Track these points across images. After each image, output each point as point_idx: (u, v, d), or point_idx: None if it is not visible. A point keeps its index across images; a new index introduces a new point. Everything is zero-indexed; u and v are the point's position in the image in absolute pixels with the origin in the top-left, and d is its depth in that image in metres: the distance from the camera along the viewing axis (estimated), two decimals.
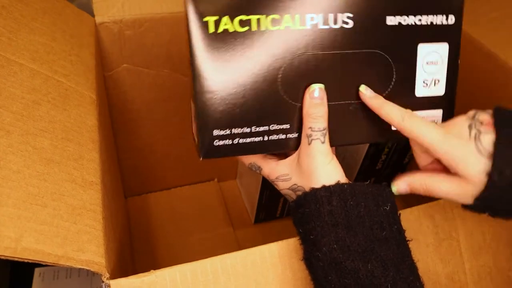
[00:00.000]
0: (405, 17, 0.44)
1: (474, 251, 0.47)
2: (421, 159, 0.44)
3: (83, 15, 0.61)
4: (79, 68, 0.51)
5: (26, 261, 0.34)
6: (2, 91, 0.41)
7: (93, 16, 0.62)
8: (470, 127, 0.39)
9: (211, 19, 0.39)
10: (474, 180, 0.38)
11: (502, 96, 0.59)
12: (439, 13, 0.45)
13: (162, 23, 0.65)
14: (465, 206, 0.41)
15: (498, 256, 0.48)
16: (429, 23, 0.45)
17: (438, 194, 0.41)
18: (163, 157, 0.82)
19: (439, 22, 0.45)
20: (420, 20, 0.44)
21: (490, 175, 0.37)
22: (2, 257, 0.32)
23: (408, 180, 0.42)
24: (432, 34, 0.45)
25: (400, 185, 0.43)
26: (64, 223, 0.37)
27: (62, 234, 0.36)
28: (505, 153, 0.37)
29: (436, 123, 0.41)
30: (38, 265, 0.66)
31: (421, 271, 0.43)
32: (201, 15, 0.38)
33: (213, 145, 0.41)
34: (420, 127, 0.40)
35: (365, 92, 0.43)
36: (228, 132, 0.41)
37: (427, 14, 0.44)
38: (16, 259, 0.33)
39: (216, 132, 0.41)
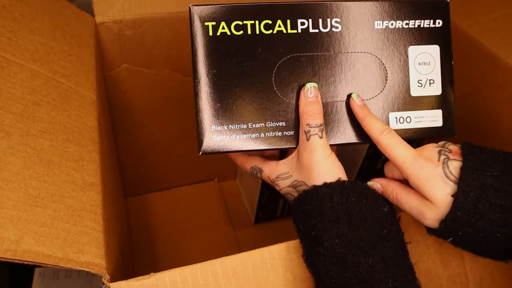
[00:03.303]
0: (392, 21, 0.46)
1: None
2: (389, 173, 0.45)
3: (83, 15, 0.60)
4: (79, 69, 0.51)
5: (26, 263, 0.34)
6: (2, 92, 0.41)
7: (93, 16, 0.62)
8: (439, 152, 0.41)
9: (210, 24, 0.43)
10: (439, 202, 0.39)
11: (502, 96, 0.59)
12: (426, 18, 0.47)
13: (162, 23, 0.65)
14: (430, 230, 0.42)
15: None
16: (416, 26, 0.47)
17: (404, 207, 0.42)
18: (163, 157, 0.81)
19: (426, 25, 0.47)
20: (407, 24, 0.46)
21: (456, 197, 0.38)
22: (2, 260, 0.32)
23: (383, 183, 0.44)
24: (421, 36, 0.47)
25: (376, 183, 0.44)
26: (64, 224, 0.37)
27: (62, 235, 0.36)
28: (470, 178, 0.38)
29: (411, 147, 0.42)
30: (38, 265, 0.66)
31: (422, 273, 0.43)
32: (202, 20, 0.43)
33: (212, 140, 0.44)
34: (394, 145, 0.42)
35: (356, 100, 0.45)
36: (225, 127, 0.44)
37: (414, 19, 0.47)
38: (16, 261, 0.33)
39: (214, 128, 0.44)
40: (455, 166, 0.40)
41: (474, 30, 0.62)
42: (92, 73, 0.53)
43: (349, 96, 0.45)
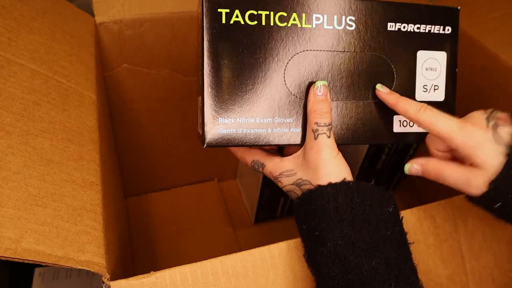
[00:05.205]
0: (405, 24, 0.46)
1: (475, 252, 0.47)
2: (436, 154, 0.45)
3: (83, 15, 0.60)
4: (79, 68, 0.51)
5: (26, 262, 0.34)
6: (2, 91, 0.41)
7: (93, 16, 0.62)
8: (487, 119, 0.41)
9: (224, 11, 0.41)
10: (490, 166, 0.39)
11: (502, 96, 0.59)
12: (437, 24, 0.47)
13: (162, 23, 0.65)
14: (474, 199, 0.41)
15: (499, 257, 0.48)
16: (427, 31, 0.47)
17: (447, 180, 0.42)
18: (163, 157, 0.81)
19: (436, 31, 0.47)
20: (418, 28, 0.46)
21: (509, 156, 0.38)
22: (2, 258, 0.32)
23: (422, 162, 0.44)
24: (431, 42, 0.47)
25: (414, 164, 0.44)
26: (64, 223, 0.37)
27: (62, 234, 0.36)
28: None
29: (453, 117, 0.42)
30: (38, 265, 0.66)
31: (422, 272, 0.43)
32: (215, 6, 0.41)
33: (218, 132, 0.42)
34: (436, 118, 0.42)
35: (381, 89, 0.45)
36: (232, 120, 0.42)
37: (425, 24, 0.47)
38: (16, 260, 0.33)
39: (221, 120, 0.42)
40: (506, 131, 0.40)
41: (474, 30, 0.62)
42: (92, 73, 0.53)
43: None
